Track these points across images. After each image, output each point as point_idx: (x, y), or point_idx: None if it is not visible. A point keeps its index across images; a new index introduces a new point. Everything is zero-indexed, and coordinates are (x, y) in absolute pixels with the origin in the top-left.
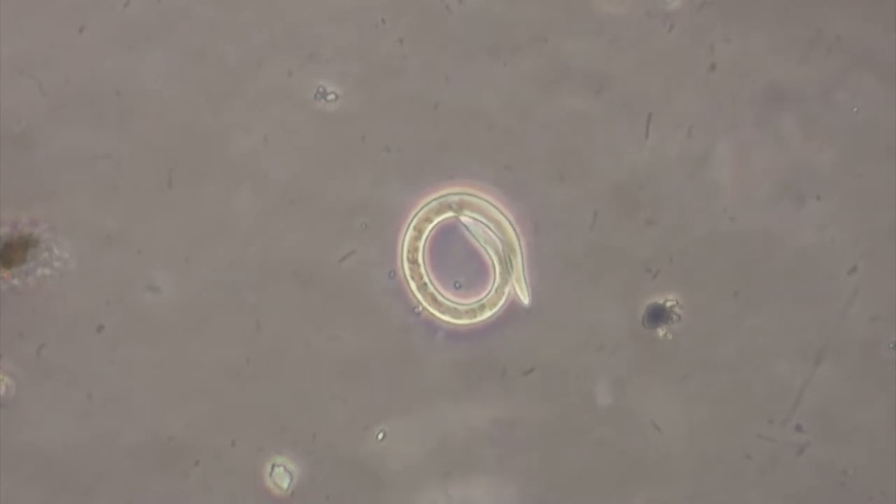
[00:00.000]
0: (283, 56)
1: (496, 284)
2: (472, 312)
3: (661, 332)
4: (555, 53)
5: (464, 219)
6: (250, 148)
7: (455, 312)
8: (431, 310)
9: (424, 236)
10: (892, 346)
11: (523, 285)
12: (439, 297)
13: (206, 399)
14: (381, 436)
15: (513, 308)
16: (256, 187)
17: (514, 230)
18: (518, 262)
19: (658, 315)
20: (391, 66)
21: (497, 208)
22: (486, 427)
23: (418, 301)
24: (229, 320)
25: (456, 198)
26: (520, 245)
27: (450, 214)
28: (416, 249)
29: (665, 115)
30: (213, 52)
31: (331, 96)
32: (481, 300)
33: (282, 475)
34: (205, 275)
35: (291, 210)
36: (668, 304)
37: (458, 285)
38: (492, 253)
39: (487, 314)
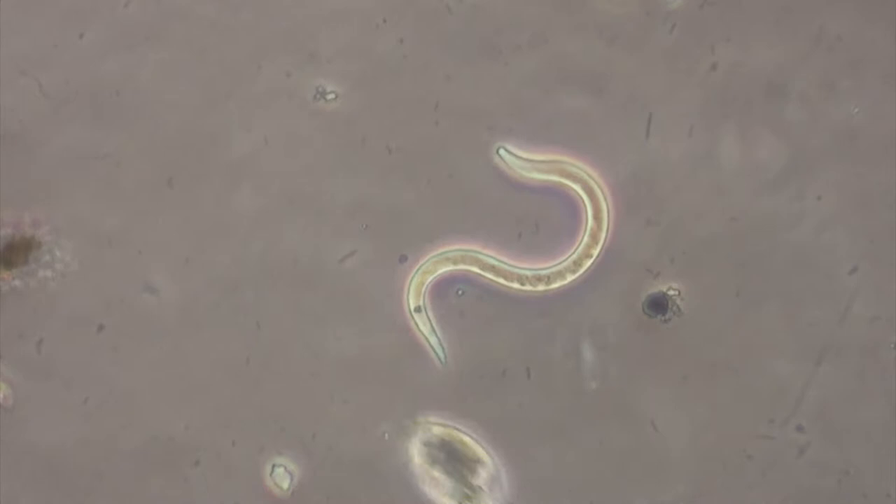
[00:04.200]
0: (284, 56)
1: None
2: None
3: (661, 318)
4: (555, 53)
5: None
6: (250, 148)
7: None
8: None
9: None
10: (892, 346)
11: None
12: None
13: (207, 399)
14: (386, 436)
15: (513, 309)
16: (257, 187)
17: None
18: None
19: (659, 303)
20: (392, 66)
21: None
22: (487, 427)
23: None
24: (229, 320)
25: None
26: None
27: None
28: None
29: (666, 114)
30: (213, 52)
31: (330, 96)
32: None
33: (282, 475)
34: (205, 275)
35: (291, 210)
36: (671, 292)
37: (460, 292)
38: None
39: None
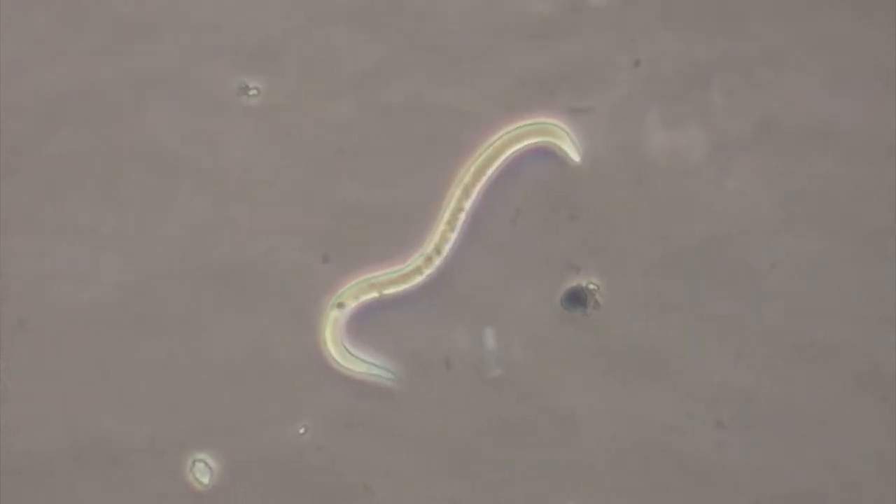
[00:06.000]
0: (223, 54)
1: None
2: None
3: (580, 313)
4: (482, 53)
5: None
6: (187, 146)
7: None
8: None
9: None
10: (808, 344)
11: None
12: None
13: (127, 397)
14: (302, 430)
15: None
16: (192, 186)
17: None
18: None
19: (577, 297)
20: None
21: None
22: (415, 426)
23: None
24: (155, 317)
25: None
26: None
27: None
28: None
29: (590, 110)
30: (148, 49)
31: (252, 92)
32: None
33: (203, 470)
34: (147, 271)
35: (223, 207)
36: (590, 286)
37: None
38: None
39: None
